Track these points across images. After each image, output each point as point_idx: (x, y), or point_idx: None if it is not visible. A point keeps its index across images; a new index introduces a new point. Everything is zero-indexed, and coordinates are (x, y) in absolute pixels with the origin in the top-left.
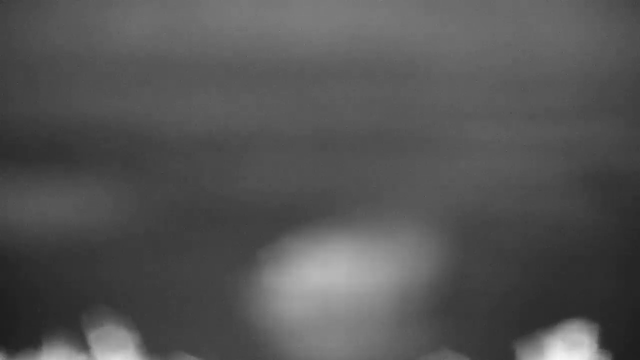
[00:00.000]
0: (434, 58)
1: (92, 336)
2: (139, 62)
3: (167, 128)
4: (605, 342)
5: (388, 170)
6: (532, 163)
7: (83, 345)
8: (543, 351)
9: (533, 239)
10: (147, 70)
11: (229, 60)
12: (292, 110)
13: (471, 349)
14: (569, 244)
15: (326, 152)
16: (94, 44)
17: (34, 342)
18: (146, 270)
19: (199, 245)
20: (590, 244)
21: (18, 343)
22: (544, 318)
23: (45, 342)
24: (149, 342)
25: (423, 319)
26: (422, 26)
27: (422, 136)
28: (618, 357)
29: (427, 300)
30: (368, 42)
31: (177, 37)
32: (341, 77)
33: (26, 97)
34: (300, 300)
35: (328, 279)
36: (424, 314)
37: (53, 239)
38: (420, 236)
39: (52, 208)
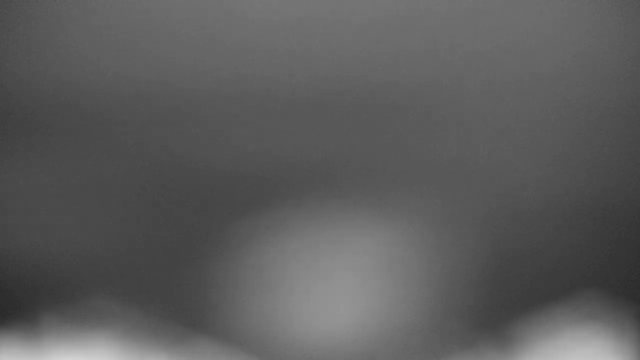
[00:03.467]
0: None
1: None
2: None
3: (152, 91)
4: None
5: (399, 146)
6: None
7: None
8: (557, 323)
9: (546, 215)
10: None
11: (228, 26)
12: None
13: (482, 322)
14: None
15: (331, 121)
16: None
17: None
18: (127, 246)
19: (189, 216)
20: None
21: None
22: (558, 289)
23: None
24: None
25: (440, 295)
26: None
27: (439, 114)
28: None
29: (442, 280)
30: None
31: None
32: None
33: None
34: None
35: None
36: (441, 291)
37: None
38: (426, 216)
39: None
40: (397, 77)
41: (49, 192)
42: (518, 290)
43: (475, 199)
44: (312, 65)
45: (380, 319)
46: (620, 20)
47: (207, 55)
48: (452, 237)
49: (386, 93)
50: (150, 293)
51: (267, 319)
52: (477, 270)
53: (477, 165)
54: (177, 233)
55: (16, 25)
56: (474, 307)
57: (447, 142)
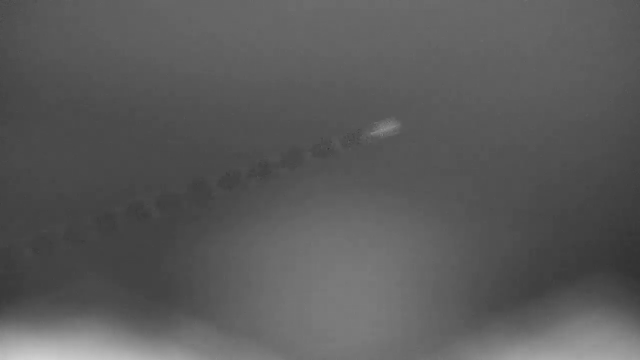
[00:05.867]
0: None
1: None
2: None
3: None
4: None
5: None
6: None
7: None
8: (562, 310)
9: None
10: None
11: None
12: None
13: (492, 308)
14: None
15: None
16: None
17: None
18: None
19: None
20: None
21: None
22: (568, 274)
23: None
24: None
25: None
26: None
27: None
28: None
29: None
30: None
31: None
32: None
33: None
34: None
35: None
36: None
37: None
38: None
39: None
40: (400, 76)
41: (36, 177)
42: (528, 277)
43: (479, 193)
44: (313, 60)
45: (384, 318)
46: (620, 21)
47: (207, 48)
48: (457, 229)
49: (386, 92)
50: (142, 278)
51: (261, 308)
52: (485, 258)
53: (480, 160)
54: (172, 218)
55: (17, 20)
56: (483, 295)
57: (449, 142)
